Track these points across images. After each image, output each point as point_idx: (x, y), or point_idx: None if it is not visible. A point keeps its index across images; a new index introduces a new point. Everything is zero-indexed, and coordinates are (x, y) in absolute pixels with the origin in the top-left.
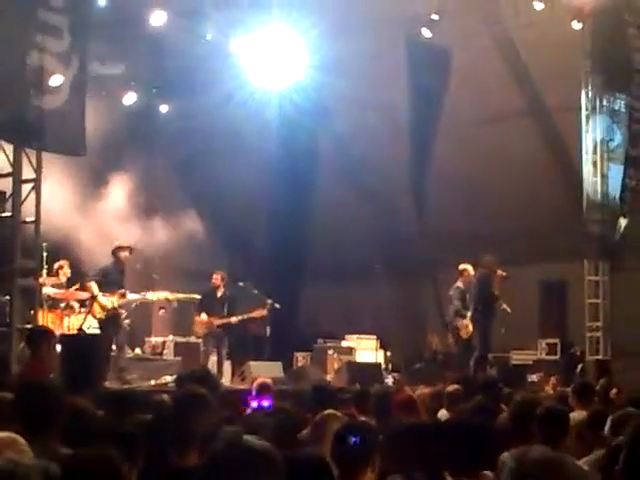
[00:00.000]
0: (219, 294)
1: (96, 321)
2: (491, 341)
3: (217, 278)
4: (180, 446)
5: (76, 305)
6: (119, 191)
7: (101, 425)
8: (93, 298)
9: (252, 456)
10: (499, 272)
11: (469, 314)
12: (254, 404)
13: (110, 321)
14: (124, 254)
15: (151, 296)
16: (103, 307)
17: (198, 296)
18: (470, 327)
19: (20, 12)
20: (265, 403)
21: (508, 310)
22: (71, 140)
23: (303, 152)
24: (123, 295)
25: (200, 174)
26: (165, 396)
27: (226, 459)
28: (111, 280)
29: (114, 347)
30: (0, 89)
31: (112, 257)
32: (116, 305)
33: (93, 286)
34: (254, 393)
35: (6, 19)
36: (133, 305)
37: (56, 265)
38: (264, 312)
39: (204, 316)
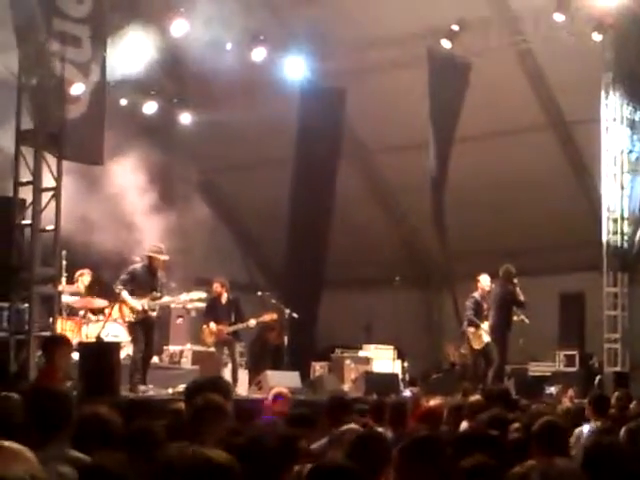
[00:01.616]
0: (223, 301)
1: (124, 326)
2: (508, 352)
3: (217, 286)
4: None
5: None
6: (137, 199)
7: (120, 432)
8: (122, 302)
9: (206, 467)
10: (515, 281)
11: (486, 324)
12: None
13: (140, 324)
14: (156, 256)
15: (184, 297)
16: (133, 309)
17: None
18: (483, 337)
19: (41, 22)
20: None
21: (526, 321)
22: (91, 149)
23: (324, 164)
24: (154, 297)
25: (220, 184)
26: (181, 404)
27: (179, 469)
28: (141, 282)
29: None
30: (21, 97)
31: (143, 259)
32: (146, 307)
33: (124, 294)
34: (270, 402)
35: (29, 29)
36: (172, 306)
37: (77, 273)
38: (274, 316)
39: (213, 325)
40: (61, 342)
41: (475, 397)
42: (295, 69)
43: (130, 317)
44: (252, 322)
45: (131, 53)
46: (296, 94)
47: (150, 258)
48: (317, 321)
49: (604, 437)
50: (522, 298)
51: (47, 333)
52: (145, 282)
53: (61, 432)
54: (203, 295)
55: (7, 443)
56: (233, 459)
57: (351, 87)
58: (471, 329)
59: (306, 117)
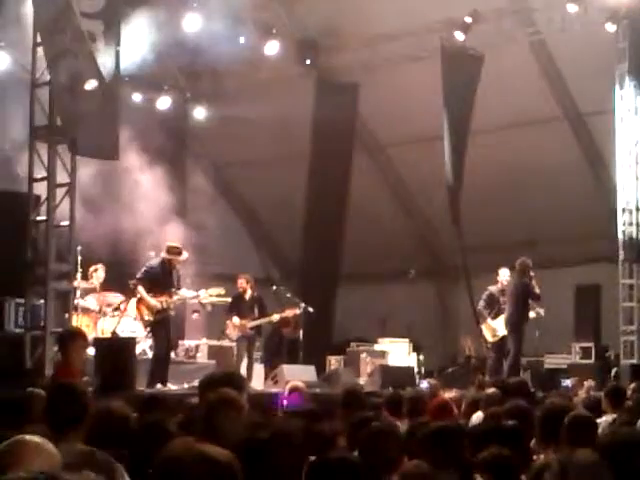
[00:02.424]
0: (247, 297)
1: (142, 324)
2: (524, 345)
3: (242, 282)
4: None
5: (109, 310)
6: (152, 194)
7: (135, 427)
8: (140, 301)
9: (207, 465)
10: (532, 274)
11: (502, 317)
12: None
13: (160, 322)
14: (173, 255)
15: (203, 294)
16: (151, 308)
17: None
18: (498, 331)
19: (55, 17)
20: (296, 401)
21: (542, 314)
22: (105, 144)
23: (338, 158)
24: (171, 294)
25: (235, 178)
26: (196, 399)
27: (179, 466)
28: (159, 280)
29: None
30: (35, 93)
31: (160, 257)
32: (166, 306)
33: (141, 290)
34: (286, 395)
35: (41, 24)
36: (190, 302)
37: (91, 269)
38: (296, 311)
39: (236, 319)
40: (76, 336)
41: (491, 390)
42: (307, 63)
43: (149, 316)
44: (275, 317)
45: (144, 48)
46: (310, 88)
47: (170, 260)
48: (333, 315)
49: (621, 428)
50: (538, 291)
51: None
52: (162, 279)
53: (76, 428)
54: (222, 291)
55: (28, 437)
56: (232, 456)
57: (364, 81)
58: (482, 322)
59: (320, 112)
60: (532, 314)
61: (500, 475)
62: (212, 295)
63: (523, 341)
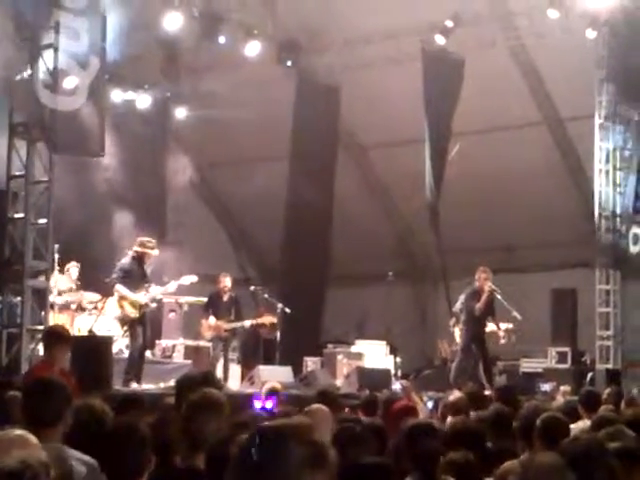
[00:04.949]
0: (225, 298)
1: (120, 323)
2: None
3: (227, 281)
4: (187, 448)
5: (88, 307)
6: (131, 192)
7: (113, 425)
8: (122, 299)
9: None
10: (487, 287)
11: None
12: (258, 405)
13: (138, 320)
14: (149, 252)
15: (173, 286)
16: (135, 304)
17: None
18: (455, 336)
19: (35, 12)
20: (269, 405)
21: (518, 317)
22: (87, 142)
23: (319, 160)
24: (147, 289)
25: (214, 179)
26: (172, 399)
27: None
28: (134, 276)
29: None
30: (14, 89)
31: (133, 252)
32: (147, 300)
33: (120, 288)
34: (263, 397)
35: (21, 19)
36: (164, 300)
37: (65, 267)
38: (274, 319)
39: (212, 320)
40: (62, 335)
41: (457, 394)
42: (288, 64)
43: (134, 313)
44: (247, 323)
45: (124, 46)
46: (291, 90)
47: (143, 253)
48: (310, 316)
49: (582, 435)
50: (477, 309)
51: (39, 327)
52: (137, 275)
53: (57, 424)
54: (194, 279)
55: (4, 431)
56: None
57: (345, 83)
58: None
59: (301, 113)
60: (506, 325)
61: (462, 477)
62: (185, 285)
63: (469, 350)
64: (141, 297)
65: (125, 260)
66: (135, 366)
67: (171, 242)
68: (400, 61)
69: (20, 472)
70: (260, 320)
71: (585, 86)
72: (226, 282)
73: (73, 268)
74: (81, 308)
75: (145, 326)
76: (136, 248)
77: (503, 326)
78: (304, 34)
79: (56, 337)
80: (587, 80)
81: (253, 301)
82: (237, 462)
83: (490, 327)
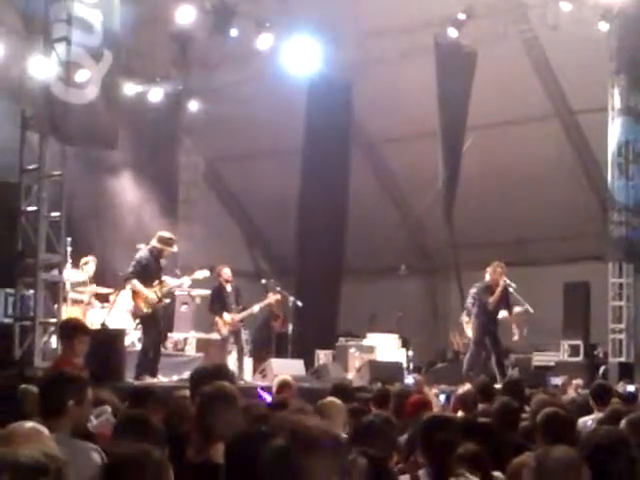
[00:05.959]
0: (229, 289)
1: (132, 317)
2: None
3: (225, 272)
4: (200, 441)
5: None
6: (143, 186)
7: (124, 418)
8: (136, 294)
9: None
10: (502, 282)
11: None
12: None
13: (151, 315)
14: (165, 245)
15: (187, 281)
16: (149, 301)
17: None
18: (466, 330)
19: (47, 4)
20: (267, 398)
21: (531, 310)
22: (103, 134)
23: (332, 154)
24: (162, 284)
25: (226, 173)
26: (186, 392)
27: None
28: (150, 272)
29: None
30: (27, 82)
31: (150, 246)
32: (160, 296)
33: (136, 283)
34: (274, 390)
35: (33, 11)
36: (176, 293)
37: (82, 262)
38: (278, 296)
39: (227, 316)
40: (81, 328)
41: (466, 387)
42: (301, 58)
43: (147, 309)
44: (256, 307)
45: (137, 39)
46: (303, 84)
47: (161, 250)
48: (322, 309)
49: (600, 428)
50: (490, 303)
51: (53, 320)
52: (153, 270)
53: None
54: (207, 273)
55: (16, 424)
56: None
57: (358, 78)
58: (466, 318)
59: (313, 108)
60: (518, 309)
61: (475, 470)
62: (199, 279)
63: (481, 344)
64: (155, 294)
65: (142, 254)
66: (148, 361)
67: (182, 235)
68: (412, 55)
69: (44, 466)
70: (267, 301)
71: (598, 78)
72: (227, 273)
73: (91, 263)
74: (93, 301)
75: (158, 321)
76: (155, 244)
77: (517, 309)
78: (317, 28)
79: (77, 329)
80: (600, 72)
81: (265, 294)
82: (272, 467)
83: (501, 314)
